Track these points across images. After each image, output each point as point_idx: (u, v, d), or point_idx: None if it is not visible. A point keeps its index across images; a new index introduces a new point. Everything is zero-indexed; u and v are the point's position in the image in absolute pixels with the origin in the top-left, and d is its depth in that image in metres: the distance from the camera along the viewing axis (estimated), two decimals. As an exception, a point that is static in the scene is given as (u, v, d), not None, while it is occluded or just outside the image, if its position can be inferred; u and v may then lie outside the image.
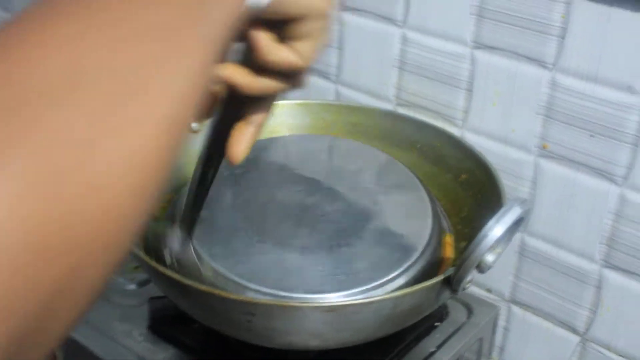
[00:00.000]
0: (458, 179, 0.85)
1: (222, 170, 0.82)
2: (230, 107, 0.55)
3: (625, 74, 0.75)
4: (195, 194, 0.64)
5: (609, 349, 0.85)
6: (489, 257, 0.64)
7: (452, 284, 0.65)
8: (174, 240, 0.68)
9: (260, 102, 0.54)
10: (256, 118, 0.55)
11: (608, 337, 0.84)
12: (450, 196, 0.84)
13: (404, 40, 0.91)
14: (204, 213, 0.75)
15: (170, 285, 0.68)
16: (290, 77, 0.51)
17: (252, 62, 0.50)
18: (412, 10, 0.89)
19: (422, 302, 0.67)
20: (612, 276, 0.82)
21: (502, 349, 0.94)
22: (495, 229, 0.61)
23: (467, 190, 0.83)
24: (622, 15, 0.74)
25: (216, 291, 0.65)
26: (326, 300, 0.66)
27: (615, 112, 0.77)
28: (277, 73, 0.51)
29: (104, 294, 0.88)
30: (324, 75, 1.01)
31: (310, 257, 0.70)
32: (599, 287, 0.83)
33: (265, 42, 0.48)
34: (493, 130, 0.87)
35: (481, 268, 0.64)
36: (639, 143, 0.76)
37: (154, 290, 0.87)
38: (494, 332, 0.90)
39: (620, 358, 0.84)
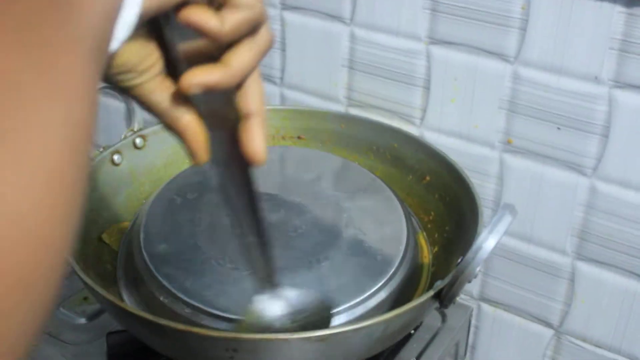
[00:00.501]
0: (422, 181, 0.81)
1: (176, 198, 0.77)
2: (217, 124, 0.46)
3: (590, 64, 0.73)
4: (253, 232, 0.55)
5: (584, 340, 0.84)
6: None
7: (443, 299, 0.62)
8: (264, 302, 0.59)
9: (246, 89, 0.46)
10: (252, 106, 0.46)
11: (583, 328, 0.83)
12: (415, 199, 0.81)
13: (353, 38, 0.87)
14: (169, 248, 0.70)
15: (138, 324, 0.63)
16: (253, 35, 0.44)
17: (210, 53, 0.42)
18: (359, 6, 0.85)
19: (411, 319, 0.64)
20: (585, 268, 0.81)
21: (473, 347, 0.92)
22: (489, 240, 0.58)
23: (433, 192, 0.80)
24: (584, 4, 0.72)
25: (195, 329, 0.60)
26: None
27: (582, 104, 0.75)
28: (240, 42, 0.43)
29: (51, 331, 0.82)
30: (267, 79, 0.95)
31: (291, 279, 0.66)
32: (572, 279, 0.82)
33: (211, 19, 0.40)
34: (453, 128, 0.84)
35: (469, 279, 0.62)
36: (607, 133, 0.74)
37: (106, 323, 0.81)
38: (468, 333, 0.88)
39: (597, 348, 0.83)
